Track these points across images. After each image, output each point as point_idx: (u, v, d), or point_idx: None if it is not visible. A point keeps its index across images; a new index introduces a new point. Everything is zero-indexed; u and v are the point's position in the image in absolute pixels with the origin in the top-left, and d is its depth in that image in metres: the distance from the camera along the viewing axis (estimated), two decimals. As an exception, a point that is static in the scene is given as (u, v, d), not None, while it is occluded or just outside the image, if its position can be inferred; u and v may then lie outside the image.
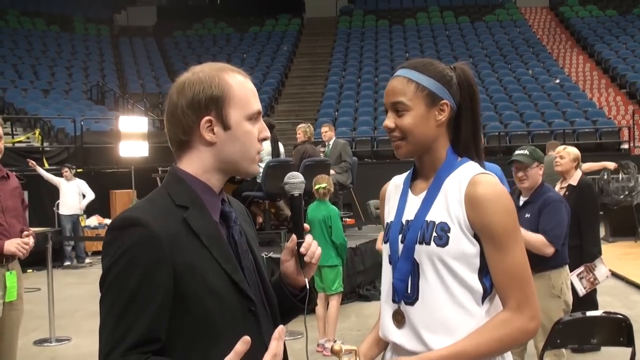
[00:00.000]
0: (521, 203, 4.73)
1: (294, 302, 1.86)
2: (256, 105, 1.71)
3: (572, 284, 5.97)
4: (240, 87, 1.69)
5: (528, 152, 4.70)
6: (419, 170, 2.04)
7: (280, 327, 1.58)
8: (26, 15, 27.89)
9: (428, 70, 1.95)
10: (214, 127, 1.65)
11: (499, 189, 1.87)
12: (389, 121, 1.96)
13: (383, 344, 2.10)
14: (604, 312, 4.13)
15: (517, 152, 4.77)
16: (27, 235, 4.32)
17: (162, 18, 32.04)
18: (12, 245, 4.17)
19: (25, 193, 12.85)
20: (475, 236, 1.86)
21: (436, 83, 1.94)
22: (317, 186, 6.60)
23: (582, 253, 5.93)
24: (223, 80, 1.67)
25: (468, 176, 1.89)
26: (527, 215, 4.60)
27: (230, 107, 1.66)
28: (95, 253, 13.77)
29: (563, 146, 6.40)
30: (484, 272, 1.88)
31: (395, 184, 2.14)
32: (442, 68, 1.98)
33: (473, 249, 1.86)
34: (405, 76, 1.96)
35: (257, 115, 1.71)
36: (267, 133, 1.74)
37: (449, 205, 1.89)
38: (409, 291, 1.93)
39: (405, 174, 2.11)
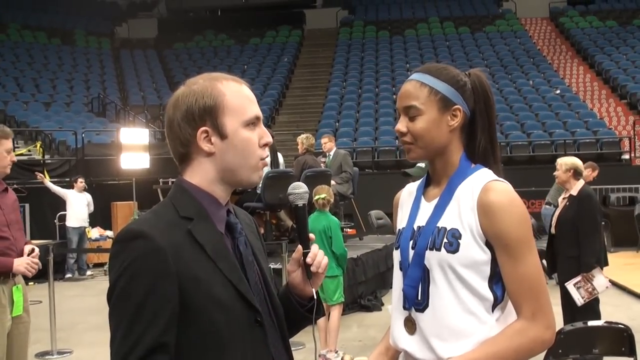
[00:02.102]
0: None
1: (302, 312, 1.85)
2: (253, 111, 1.70)
3: (569, 293, 5.99)
4: (234, 94, 1.69)
5: (424, 166, 4.58)
6: (432, 177, 2.03)
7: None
8: (28, 29, 27.97)
9: (442, 75, 1.94)
10: (210, 137, 1.66)
11: (513, 196, 1.85)
12: (401, 125, 1.95)
13: (392, 352, 2.08)
14: (605, 322, 4.14)
15: (417, 165, 4.66)
16: (32, 251, 4.29)
17: (162, 30, 32.12)
18: (22, 265, 4.14)
19: (27, 205, 12.85)
20: (487, 244, 1.85)
21: (449, 88, 1.92)
22: (316, 197, 6.61)
23: (579, 263, 5.94)
24: (216, 89, 1.67)
25: (481, 183, 1.88)
26: None
27: (224, 115, 1.66)
28: (97, 265, 13.77)
29: (559, 158, 6.41)
30: (494, 280, 1.86)
31: (408, 191, 2.13)
32: (457, 73, 1.97)
33: (484, 256, 1.84)
34: (418, 80, 1.95)
35: (255, 121, 1.71)
36: (269, 138, 1.72)
37: (461, 212, 1.87)
38: (419, 298, 1.91)
39: (419, 181, 2.10)
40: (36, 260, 4.25)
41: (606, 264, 6.25)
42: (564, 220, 6.14)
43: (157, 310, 1.52)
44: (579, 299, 5.93)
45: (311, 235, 1.82)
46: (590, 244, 5.99)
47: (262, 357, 1.65)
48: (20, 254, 4.24)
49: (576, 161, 6.27)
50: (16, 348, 4.28)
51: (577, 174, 6.17)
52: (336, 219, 6.88)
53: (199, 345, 1.58)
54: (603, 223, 6.60)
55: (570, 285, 5.95)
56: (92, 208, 13.15)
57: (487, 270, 1.85)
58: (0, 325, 4.15)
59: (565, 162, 6.21)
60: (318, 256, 1.80)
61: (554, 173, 6.30)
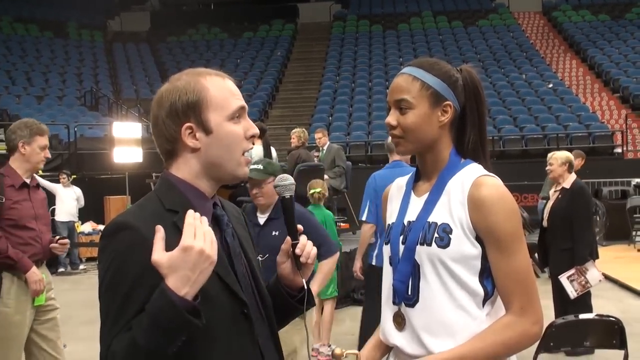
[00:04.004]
0: (262, 221, 4.28)
1: (292, 303, 1.86)
2: (237, 102, 1.70)
3: (562, 285, 6.02)
4: (217, 88, 1.68)
5: (262, 167, 4.28)
6: (422, 171, 2.03)
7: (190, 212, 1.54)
8: (20, 22, 27.84)
9: (434, 70, 1.94)
10: (195, 132, 1.66)
11: (503, 191, 1.86)
12: (391, 118, 1.95)
13: (385, 347, 2.08)
14: (596, 315, 4.16)
15: (250, 166, 4.25)
16: (63, 244, 4.58)
17: (155, 24, 32.03)
18: (34, 277, 4.29)
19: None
20: (478, 238, 1.85)
21: (441, 83, 1.92)
22: (311, 191, 6.61)
23: (573, 256, 5.97)
24: (199, 84, 1.67)
25: (471, 178, 1.88)
26: (275, 233, 4.18)
27: (208, 110, 1.66)
28: (89, 259, 13.73)
29: (551, 153, 6.45)
30: (485, 274, 1.86)
31: (398, 185, 2.12)
32: (449, 68, 1.97)
33: (474, 251, 1.84)
34: (410, 74, 1.95)
35: (240, 112, 1.70)
36: (255, 130, 1.72)
37: (451, 207, 1.87)
38: (409, 293, 1.91)
39: (408, 176, 2.10)
40: (63, 248, 4.57)
41: (597, 257, 6.28)
42: (557, 213, 6.17)
43: (145, 301, 1.51)
44: (572, 291, 5.96)
45: (299, 227, 1.82)
46: (584, 236, 6.03)
47: (248, 348, 1.66)
48: (45, 246, 4.44)
49: (569, 155, 6.34)
50: (49, 332, 4.50)
51: (570, 167, 6.24)
52: (331, 213, 6.89)
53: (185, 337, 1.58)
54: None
55: (563, 278, 5.98)
56: (82, 202, 13.10)
57: (478, 265, 1.85)
58: (21, 316, 4.33)
59: (560, 156, 6.25)
60: (307, 247, 1.80)
61: (547, 168, 6.32)
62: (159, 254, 1.46)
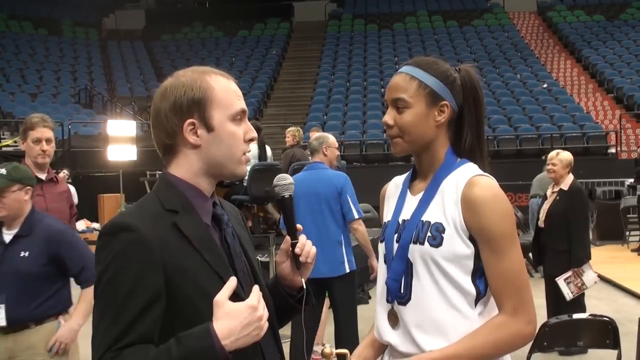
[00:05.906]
0: (7, 239, 3.56)
1: (292, 302, 1.86)
2: (240, 105, 1.71)
3: (557, 286, 6.03)
4: (222, 88, 1.69)
5: (4, 172, 3.53)
6: (418, 170, 2.03)
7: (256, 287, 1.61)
8: (14, 19, 27.77)
9: (432, 69, 1.94)
10: (197, 129, 1.66)
11: (497, 191, 1.85)
12: (388, 117, 1.95)
13: (378, 345, 2.08)
14: (590, 315, 4.17)
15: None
16: None
17: (150, 22, 31.97)
18: None
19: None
20: (471, 238, 1.85)
21: (439, 82, 1.92)
22: (305, 190, 6.58)
23: (570, 258, 5.96)
24: (205, 82, 1.68)
25: (466, 177, 1.88)
26: (24, 254, 3.50)
27: (212, 108, 1.66)
28: (83, 257, 13.66)
29: (556, 152, 6.40)
30: (477, 274, 1.86)
31: (395, 184, 2.13)
32: (447, 68, 1.97)
33: (467, 250, 1.84)
34: (408, 73, 1.95)
35: (241, 115, 1.71)
36: (254, 134, 1.73)
37: (445, 206, 1.87)
38: (401, 291, 1.92)
39: (405, 174, 2.10)
40: None
41: (589, 257, 6.29)
42: (555, 214, 6.16)
43: (144, 301, 1.51)
44: (568, 293, 5.96)
45: (298, 226, 1.82)
46: (581, 238, 6.04)
47: (249, 348, 1.65)
48: None
49: (571, 156, 6.31)
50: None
51: (571, 169, 6.23)
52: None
53: None
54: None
55: (560, 281, 5.98)
56: (76, 200, 13.06)
57: (470, 264, 1.85)
58: None
59: (565, 157, 6.22)
60: (306, 246, 1.80)
61: (550, 167, 6.27)
62: (224, 296, 1.51)
